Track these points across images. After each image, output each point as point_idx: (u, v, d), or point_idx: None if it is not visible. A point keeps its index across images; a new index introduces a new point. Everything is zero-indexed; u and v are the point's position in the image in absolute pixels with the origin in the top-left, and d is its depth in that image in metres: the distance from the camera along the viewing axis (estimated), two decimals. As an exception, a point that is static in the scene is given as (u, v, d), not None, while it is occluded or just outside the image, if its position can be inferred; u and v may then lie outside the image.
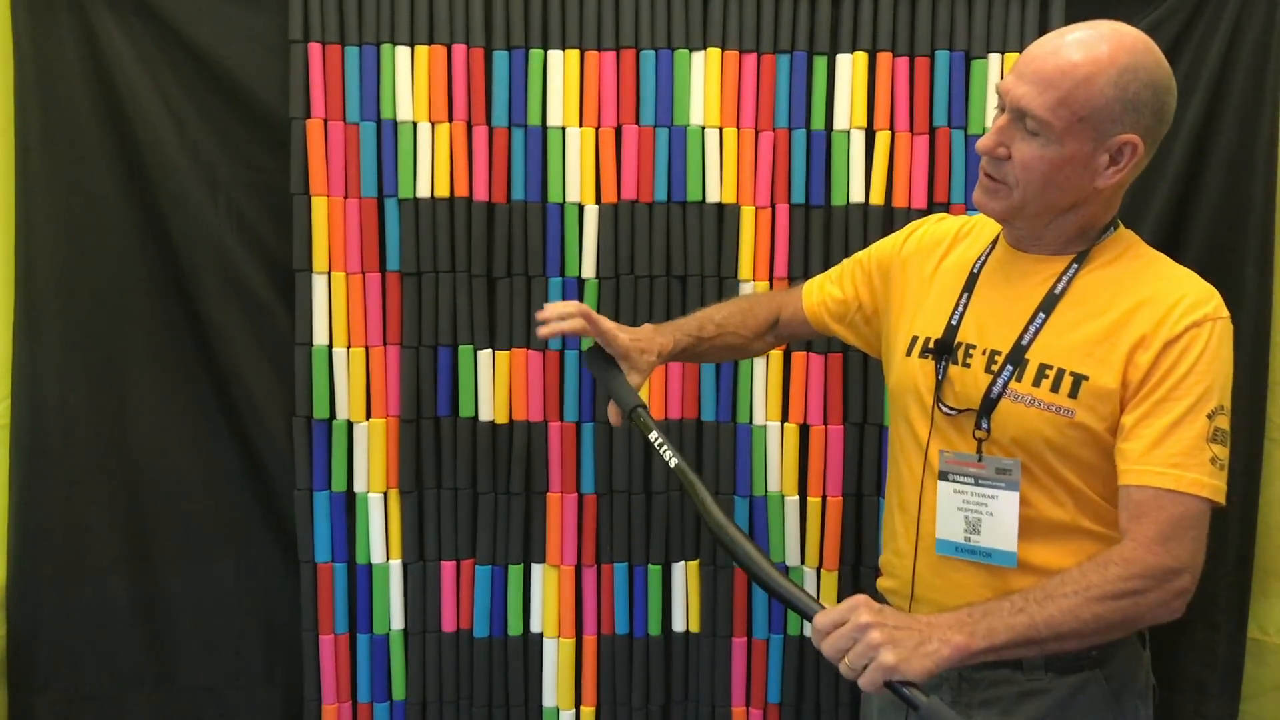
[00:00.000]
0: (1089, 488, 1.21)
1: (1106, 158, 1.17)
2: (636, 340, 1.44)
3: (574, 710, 1.94)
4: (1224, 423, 1.16)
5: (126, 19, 1.79)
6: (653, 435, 1.36)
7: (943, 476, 1.26)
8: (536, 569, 1.91)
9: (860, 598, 1.08)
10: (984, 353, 1.25)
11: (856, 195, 1.85)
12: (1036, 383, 1.20)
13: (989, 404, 1.22)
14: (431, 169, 1.84)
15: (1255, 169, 1.81)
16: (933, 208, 1.86)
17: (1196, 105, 1.81)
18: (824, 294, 1.53)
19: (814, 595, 1.19)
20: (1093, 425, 1.18)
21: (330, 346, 1.86)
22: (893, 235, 1.48)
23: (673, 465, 1.32)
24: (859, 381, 1.87)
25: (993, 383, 1.22)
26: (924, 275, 1.39)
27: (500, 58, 1.83)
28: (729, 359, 1.69)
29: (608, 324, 1.42)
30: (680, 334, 1.50)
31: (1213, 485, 1.14)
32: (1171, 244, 1.83)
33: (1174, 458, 1.13)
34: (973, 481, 1.24)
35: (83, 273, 1.82)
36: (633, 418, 1.39)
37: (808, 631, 1.92)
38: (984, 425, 1.22)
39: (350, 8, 1.81)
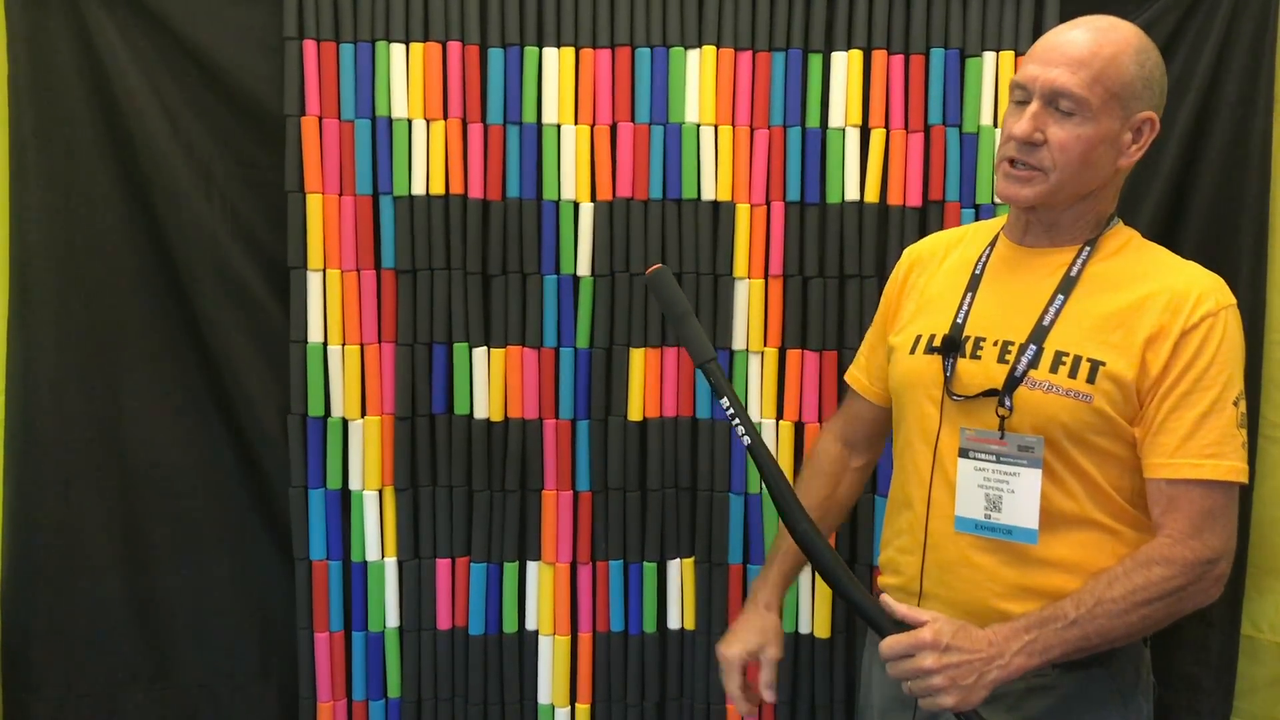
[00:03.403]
0: (1104, 478, 1.22)
1: (1129, 135, 1.23)
2: (778, 635, 1.45)
3: (569, 707, 1.94)
4: (1244, 406, 1.20)
5: (121, 16, 1.78)
6: (723, 402, 1.32)
7: (963, 454, 1.26)
8: (532, 566, 1.91)
9: (927, 634, 1.13)
10: (995, 344, 1.26)
11: (851, 193, 1.86)
12: (1054, 369, 1.21)
13: (1012, 382, 1.23)
14: (427, 166, 1.84)
15: (1249, 167, 1.81)
16: (928, 205, 1.87)
17: (1190, 103, 1.82)
18: (870, 366, 1.50)
19: (880, 606, 1.20)
20: (1109, 412, 1.19)
21: (325, 344, 1.86)
22: (887, 284, 1.49)
23: (746, 444, 1.31)
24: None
25: (1015, 363, 1.23)
26: (922, 284, 1.40)
27: (495, 55, 1.83)
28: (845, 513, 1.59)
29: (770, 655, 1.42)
30: (781, 576, 1.48)
31: (1244, 469, 1.18)
32: (1166, 242, 1.78)
33: (1209, 447, 1.17)
34: (994, 459, 1.24)
35: (77, 270, 1.82)
36: (705, 371, 1.36)
37: (804, 629, 1.93)
38: (1006, 403, 1.23)
39: (345, 5, 1.81)
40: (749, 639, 1.42)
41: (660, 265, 1.46)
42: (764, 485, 1.31)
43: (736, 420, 1.32)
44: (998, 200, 1.84)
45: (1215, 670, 1.86)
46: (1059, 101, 1.19)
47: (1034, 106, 1.20)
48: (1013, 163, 1.23)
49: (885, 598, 1.20)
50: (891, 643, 1.15)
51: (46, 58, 1.78)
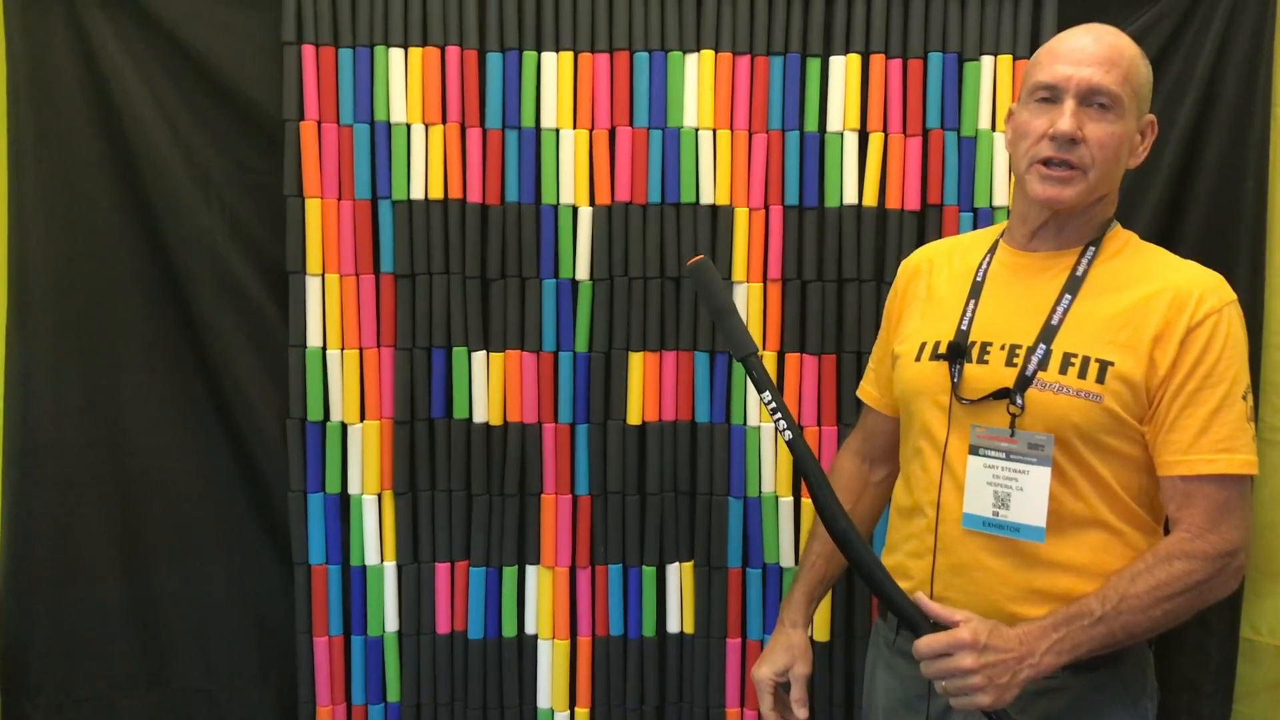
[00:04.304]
0: (1114, 478, 1.23)
1: (1138, 136, 1.27)
2: (805, 653, 1.46)
3: (568, 712, 1.94)
4: (1251, 400, 1.22)
5: (120, 21, 1.79)
6: (765, 396, 1.32)
7: (974, 451, 1.27)
8: (531, 570, 1.91)
9: (965, 634, 1.14)
10: (1002, 347, 1.27)
11: (850, 197, 1.86)
12: (1063, 370, 1.22)
13: (1023, 382, 1.24)
14: (425, 171, 1.84)
15: (1246, 171, 1.81)
16: (926, 209, 1.87)
17: (1189, 107, 1.82)
18: (880, 379, 1.51)
19: (917, 606, 1.22)
20: (1119, 412, 1.20)
21: (324, 348, 1.86)
22: (887, 298, 1.51)
23: (787, 439, 1.31)
24: (853, 383, 1.86)
25: (1025, 364, 1.24)
26: (922, 293, 1.41)
27: (494, 59, 1.83)
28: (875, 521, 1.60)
29: (799, 672, 1.45)
30: (805, 595, 1.50)
31: (1255, 461, 1.20)
32: (1164, 243, 1.79)
33: (1222, 442, 1.18)
34: (1004, 456, 1.25)
35: (76, 275, 1.82)
36: (746, 365, 1.36)
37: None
38: (1018, 401, 1.23)
39: (344, 9, 1.81)
40: (778, 659, 1.46)
41: (702, 256, 1.45)
42: (804, 482, 1.32)
43: (778, 415, 1.32)
44: (998, 205, 1.85)
45: (1214, 673, 1.86)
46: (1095, 100, 1.21)
47: (1071, 104, 1.22)
48: (1047, 163, 1.23)
49: (919, 596, 1.21)
50: (929, 641, 1.16)
51: (46, 63, 1.78)
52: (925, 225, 1.87)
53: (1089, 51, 1.22)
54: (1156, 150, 1.81)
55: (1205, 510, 1.19)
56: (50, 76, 1.78)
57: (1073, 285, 1.26)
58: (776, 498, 1.90)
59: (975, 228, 1.83)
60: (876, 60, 1.84)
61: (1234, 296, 1.24)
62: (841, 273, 1.87)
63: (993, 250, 1.36)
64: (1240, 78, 1.81)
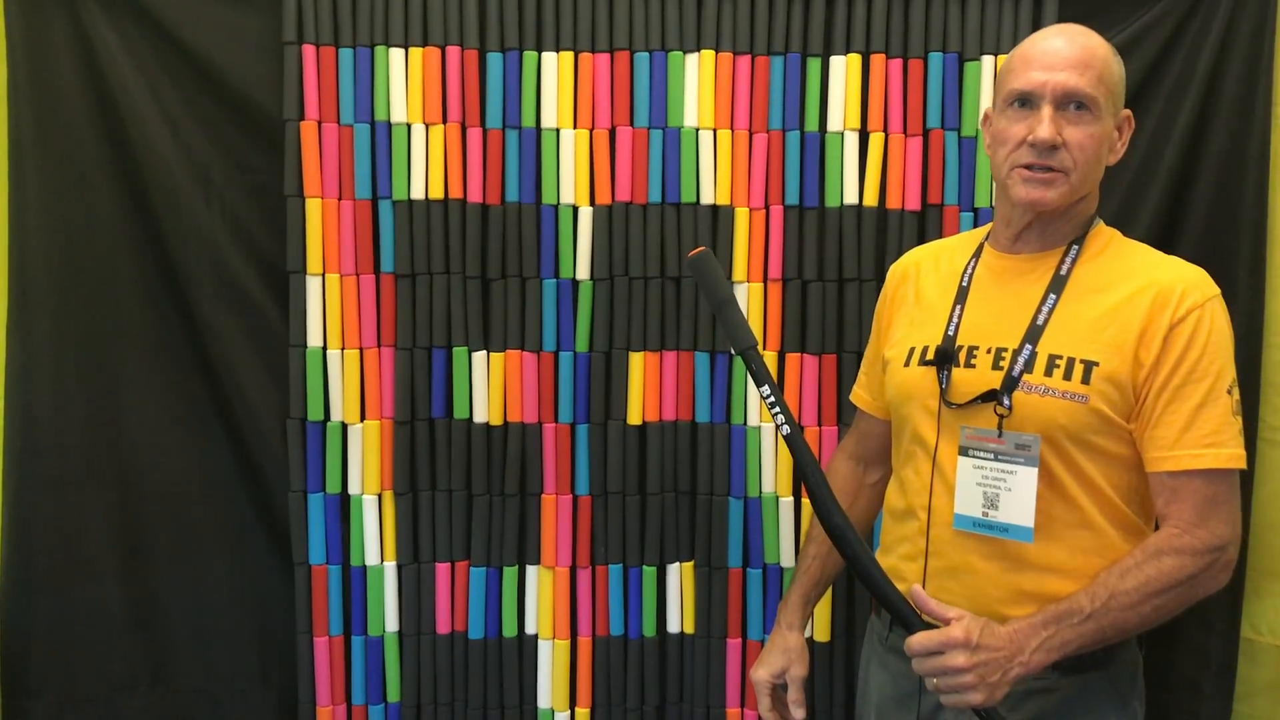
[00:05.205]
0: (1103, 478, 1.23)
1: (1117, 133, 1.27)
2: (802, 654, 1.47)
3: (569, 712, 1.94)
4: (1238, 394, 1.22)
5: (120, 21, 1.79)
6: (764, 390, 1.32)
7: (963, 452, 1.27)
8: (531, 570, 1.91)
9: (958, 632, 1.14)
10: (989, 351, 1.27)
11: (850, 197, 1.86)
12: (1048, 372, 1.22)
13: (1010, 383, 1.24)
14: (426, 171, 1.84)
15: (1247, 170, 1.81)
16: (926, 209, 1.87)
17: (1189, 106, 1.81)
18: (872, 383, 1.51)
19: (911, 605, 1.22)
20: (1106, 411, 1.20)
21: (325, 348, 1.86)
22: (878, 303, 1.51)
23: (784, 434, 1.31)
24: (852, 383, 1.86)
25: (1011, 366, 1.24)
26: (911, 297, 1.42)
27: (494, 59, 1.83)
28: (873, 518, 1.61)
29: (795, 674, 1.45)
30: (802, 598, 1.51)
31: (1243, 455, 1.20)
32: (1164, 244, 1.81)
33: (1207, 437, 1.18)
34: (992, 457, 1.25)
35: (76, 275, 1.82)
36: (745, 359, 1.36)
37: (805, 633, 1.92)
38: (1005, 402, 1.24)
39: (344, 9, 1.81)
40: (774, 661, 1.46)
41: (703, 249, 1.44)
42: (801, 477, 1.32)
43: (776, 409, 1.32)
44: (994, 205, 1.85)
45: (1214, 673, 1.86)
46: (1071, 103, 1.22)
47: (1048, 110, 1.22)
48: (1029, 168, 1.24)
49: (916, 589, 1.21)
50: (922, 639, 1.15)
51: (46, 63, 1.78)
52: (925, 225, 1.87)
53: (1062, 55, 1.22)
54: (1156, 150, 1.82)
55: (1193, 505, 1.19)
56: (50, 76, 1.78)
57: (1057, 285, 1.26)
58: (777, 498, 1.90)
59: (976, 227, 1.83)
60: (877, 60, 1.84)
61: (1217, 291, 1.24)
62: (842, 273, 1.87)
63: (978, 254, 1.37)
64: (1240, 78, 1.81)
